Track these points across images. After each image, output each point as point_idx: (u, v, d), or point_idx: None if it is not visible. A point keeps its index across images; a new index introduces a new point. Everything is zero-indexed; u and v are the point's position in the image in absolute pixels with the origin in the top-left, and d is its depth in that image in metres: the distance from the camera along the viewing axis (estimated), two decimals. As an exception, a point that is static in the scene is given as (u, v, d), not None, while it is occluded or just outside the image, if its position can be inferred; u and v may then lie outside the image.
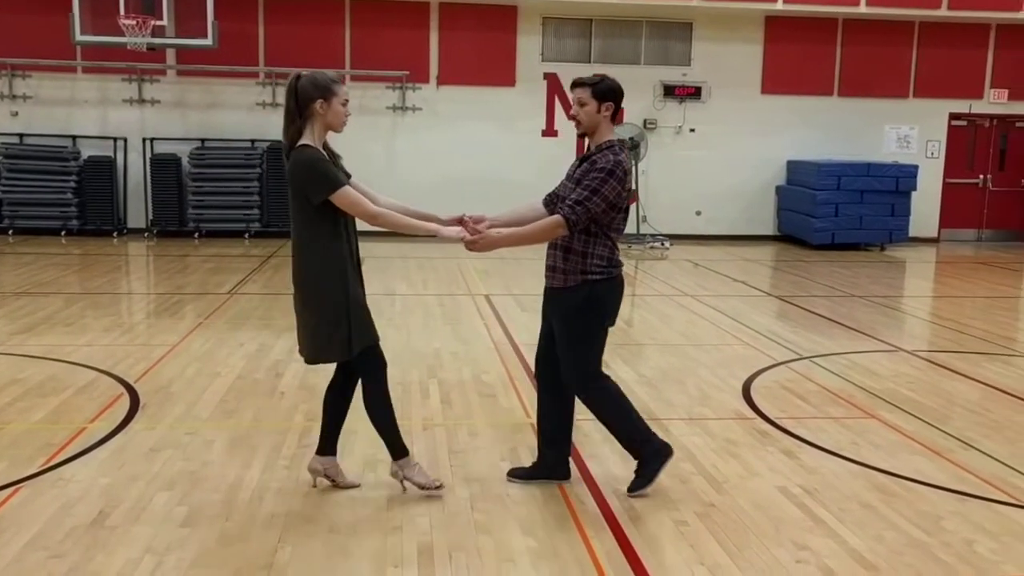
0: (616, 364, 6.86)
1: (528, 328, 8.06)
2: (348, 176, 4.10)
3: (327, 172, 3.96)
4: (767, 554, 3.78)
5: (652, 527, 4.02)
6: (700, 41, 14.89)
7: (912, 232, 14.70)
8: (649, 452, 4.37)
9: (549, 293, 4.37)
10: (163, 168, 13.77)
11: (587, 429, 5.28)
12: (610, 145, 4.25)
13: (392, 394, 5.92)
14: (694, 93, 14.86)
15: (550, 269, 4.32)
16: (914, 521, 4.12)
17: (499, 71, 14.48)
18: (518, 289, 10.13)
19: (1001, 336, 8.31)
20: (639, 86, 14.79)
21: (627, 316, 9.44)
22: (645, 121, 14.75)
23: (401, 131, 14.45)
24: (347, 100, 4.07)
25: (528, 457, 4.80)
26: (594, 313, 4.26)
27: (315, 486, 4.37)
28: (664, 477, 4.48)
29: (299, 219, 4.05)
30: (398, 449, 4.27)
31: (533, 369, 4.59)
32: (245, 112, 14.23)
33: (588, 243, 4.19)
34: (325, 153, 4.06)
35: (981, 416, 5.78)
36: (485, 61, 14.44)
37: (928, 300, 10.95)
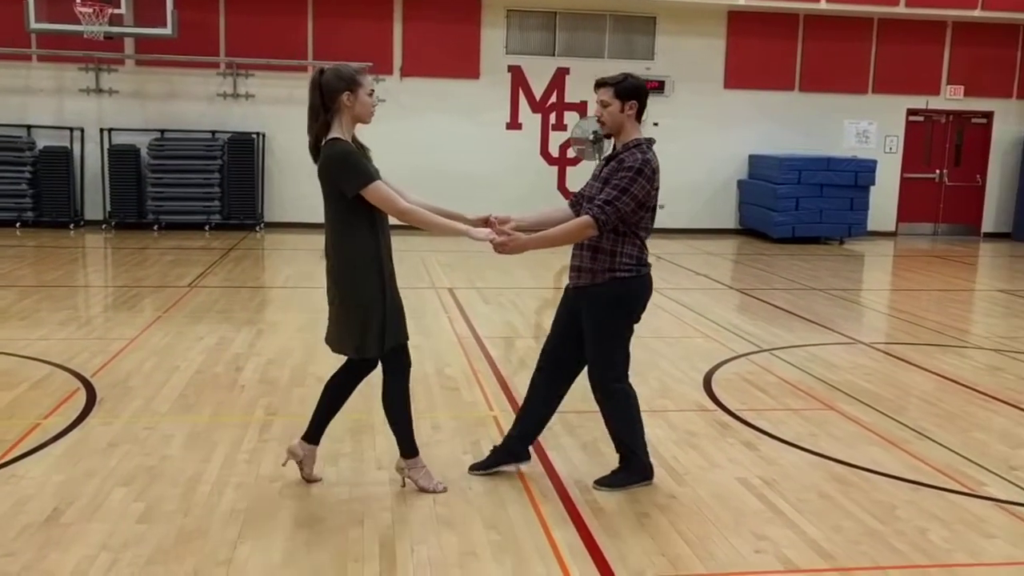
0: (579, 357, 6.88)
1: (491, 321, 8.06)
2: (377, 171, 4.06)
3: (360, 165, 3.93)
4: (727, 544, 3.82)
5: (614, 519, 4.04)
6: (663, 35, 14.96)
7: (870, 226, 14.91)
8: (635, 464, 4.39)
9: (575, 292, 4.33)
10: (121, 159, 13.55)
11: (549, 422, 5.28)
12: (637, 143, 4.20)
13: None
14: (657, 87, 14.91)
15: (576, 269, 4.29)
16: (870, 511, 4.19)
17: (463, 63, 14.43)
18: (481, 283, 10.12)
19: (955, 328, 8.47)
20: (603, 80, 14.81)
21: (590, 309, 9.48)
22: (609, 115, 14.79)
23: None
24: (373, 90, 4.04)
25: (490, 450, 4.81)
26: (623, 311, 4.25)
27: (283, 465, 4.34)
28: (625, 469, 4.53)
29: (333, 214, 4.02)
30: (409, 448, 4.26)
31: (537, 361, 4.53)
32: (206, 103, 14.05)
33: (617, 242, 4.17)
34: (355, 146, 4.03)
35: (935, 407, 5.89)
36: (449, 53, 14.38)
37: (885, 293, 11.12)
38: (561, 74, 14.80)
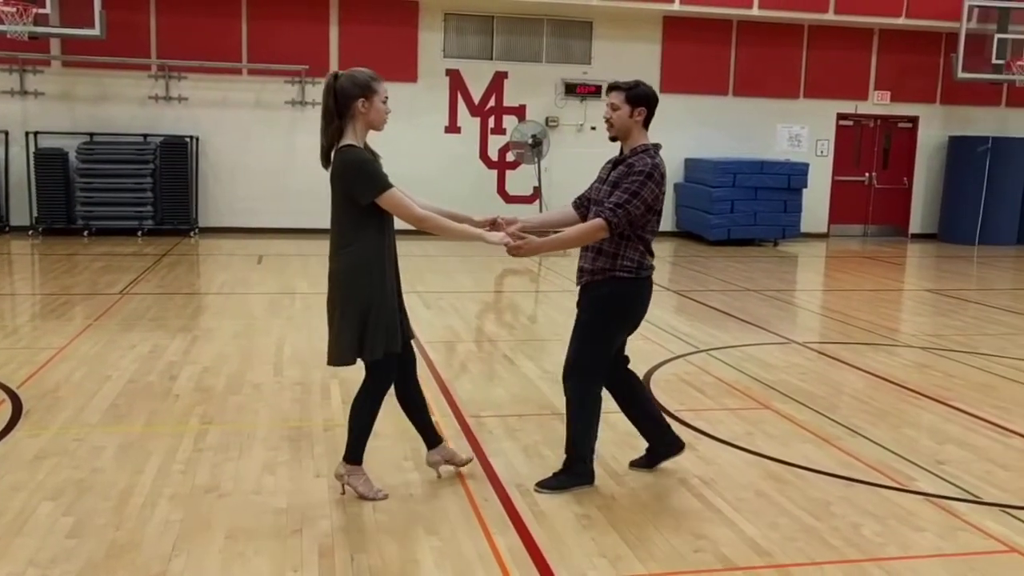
0: (520, 360, 6.90)
1: (432, 325, 8.02)
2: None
3: (376, 173, 3.96)
4: (666, 544, 3.85)
5: (554, 522, 4.05)
6: (600, 40, 15.09)
7: (803, 228, 15.23)
8: (579, 468, 4.42)
9: (580, 291, 4.42)
10: (49, 163, 13.18)
11: (490, 426, 5.30)
12: (644, 148, 4.30)
13: (291, 395, 5.86)
14: (595, 91, 15.05)
15: (580, 271, 4.38)
16: (805, 507, 4.27)
17: (401, 66, 14.35)
18: (422, 286, 10.07)
19: (885, 327, 8.70)
20: (540, 84, 14.89)
21: (531, 312, 9.51)
22: (547, 119, 14.87)
23: (301, 126, 14.18)
24: (387, 97, 4.10)
25: (431, 455, 4.79)
26: (616, 310, 4.31)
27: (440, 476, 4.45)
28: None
29: (342, 220, 4.03)
30: (355, 455, 4.24)
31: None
32: (137, 106, 13.75)
33: (620, 245, 4.24)
34: (368, 154, 4.05)
35: (866, 404, 6.04)
36: (386, 56, 14.28)
37: (818, 293, 11.37)
38: (499, 78, 14.83)
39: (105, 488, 4.26)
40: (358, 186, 3.94)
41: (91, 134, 13.48)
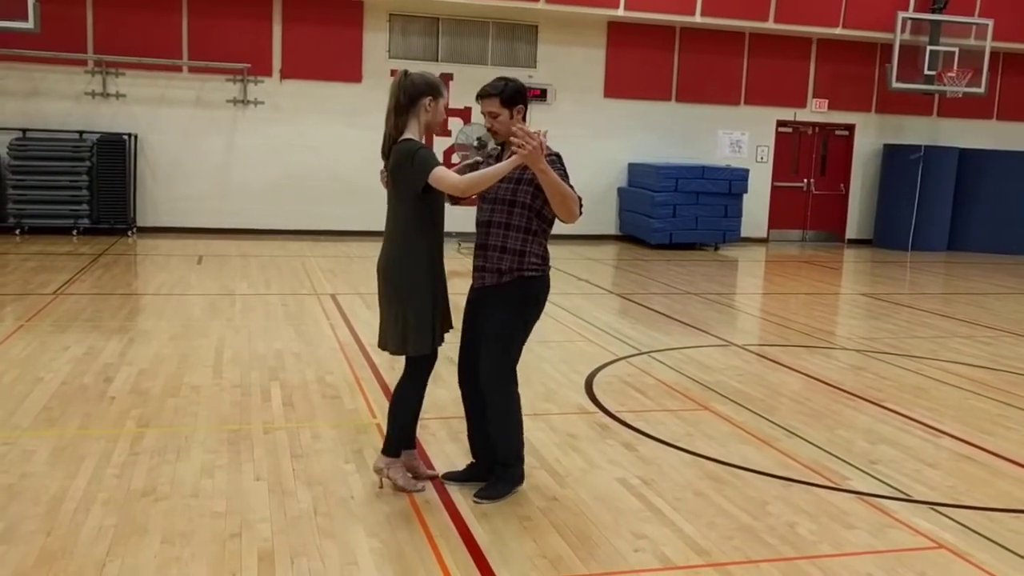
0: (462, 362, 6.89)
1: (373, 327, 7.95)
2: None
3: (427, 157, 4.07)
4: (607, 544, 3.89)
5: (496, 523, 4.06)
6: (545, 44, 15.17)
7: (744, 232, 15.48)
8: (518, 471, 4.39)
9: (479, 293, 4.31)
10: (-22, 159, 12.79)
11: (434, 428, 5.29)
12: None
13: (231, 397, 5.78)
14: (540, 95, 15.11)
15: (480, 270, 4.27)
16: (742, 507, 4.35)
17: (345, 66, 14.25)
18: (365, 288, 10.00)
19: (821, 330, 8.89)
20: (486, 86, 14.89)
21: (474, 314, 9.51)
22: (492, 121, 14.87)
23: (242, 125, 13.99)
24: (447, 104, 4.24)
25: (372, 458, 4.76)
26: (527, 310, 4.30)
27: (381, 488, 4.38)
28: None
29: (400, 210, 4.18)
30: (394, 448, 4.31)
31: (458, 378, 4.47)
32: (72, 102, 13.41)
33: (527, 242, 4.21)
34: None
35: (803, 405, 6.16)
36: (330, 56, 14.19)
37: (757, 297, 11.56)
38: (444, 80, 14.72)
39: (35, 493, 4.15)
40: (413, 172, 4.03)
41: (24, 130, 13.11)
